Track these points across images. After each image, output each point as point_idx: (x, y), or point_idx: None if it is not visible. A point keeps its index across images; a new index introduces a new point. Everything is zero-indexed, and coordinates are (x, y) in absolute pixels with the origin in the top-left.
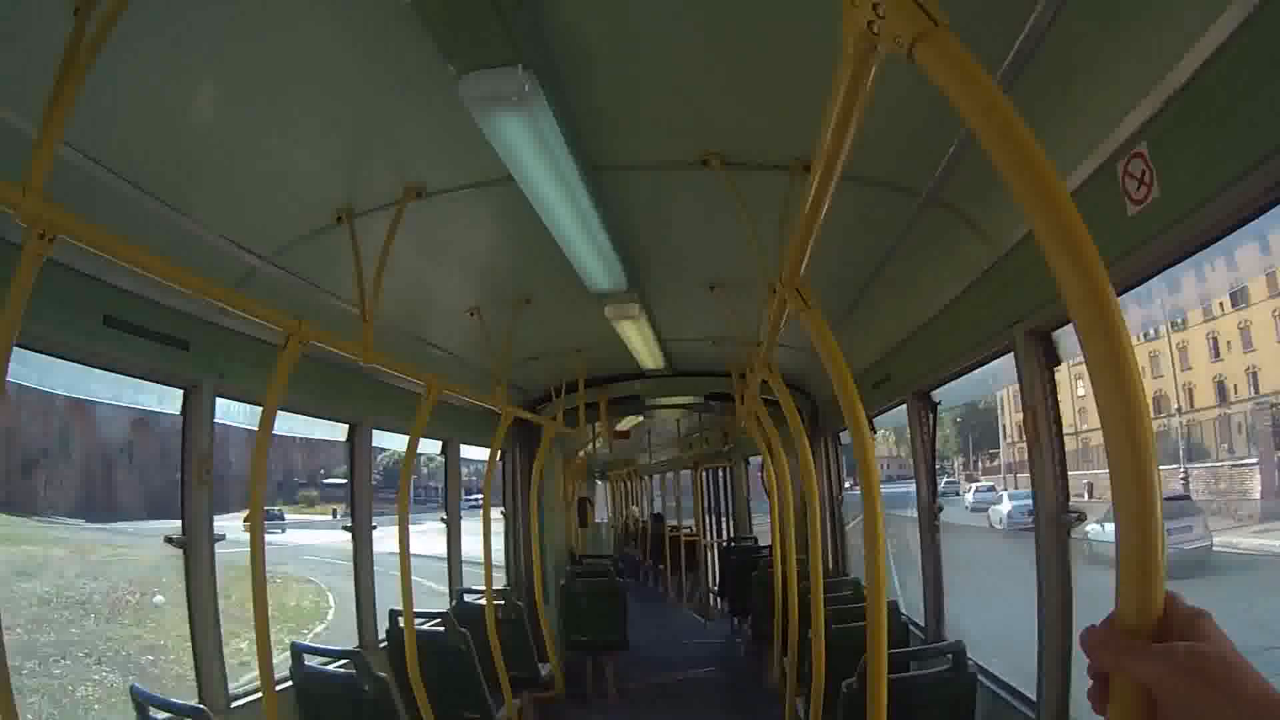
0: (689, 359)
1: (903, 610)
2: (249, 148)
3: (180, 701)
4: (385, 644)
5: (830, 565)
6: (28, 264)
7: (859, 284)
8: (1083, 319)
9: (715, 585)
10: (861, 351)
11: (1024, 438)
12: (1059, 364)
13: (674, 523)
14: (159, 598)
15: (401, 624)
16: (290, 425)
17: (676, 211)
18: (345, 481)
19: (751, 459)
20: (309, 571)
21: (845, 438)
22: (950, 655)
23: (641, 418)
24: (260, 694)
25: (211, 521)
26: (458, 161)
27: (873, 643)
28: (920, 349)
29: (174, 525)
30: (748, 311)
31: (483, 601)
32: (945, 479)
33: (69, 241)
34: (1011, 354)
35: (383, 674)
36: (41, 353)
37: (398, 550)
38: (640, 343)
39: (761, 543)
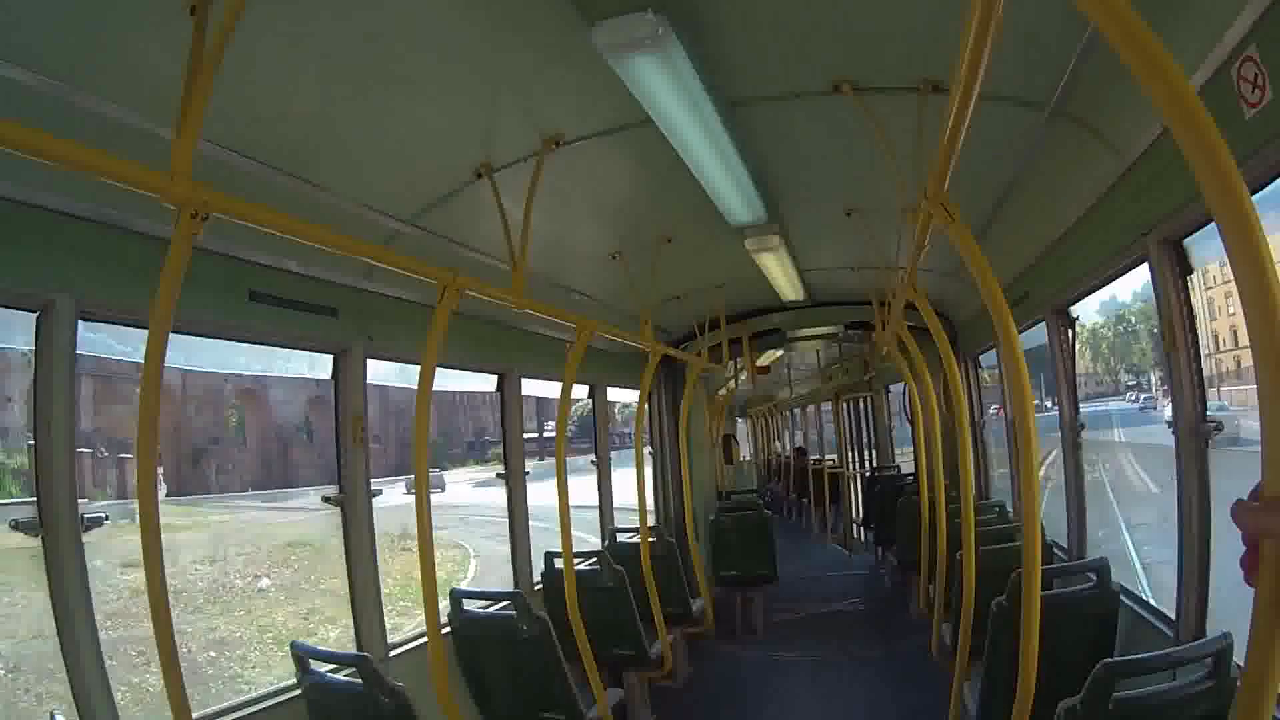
0: (828, 288)
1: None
2: (383, 115)
3: (341, 651)
4: (540, 586)
5: (975, 489)
6: (180, 244)
7: (991, 204)
8: (1220, 210)
9: (858, 517)
10: (997, 271)
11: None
12: (1191, 272)
13: (816, 456)
14: (264, 581)
15: (558, 565)
16: (441, 381)
17: (810, 139)
18: (474, 441)
19: (892, 387)
20: (451, 531)
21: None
22: (1094, 573)
23: (781, 351)
24: (410, 644)
25: (369, 479)
26: (593, 109)
27: (1027, 558)
28: (1055, 265)
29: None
30: (885, 236)
31: (634, 539)
32: (1143, 395)
33: (219, 218)
34: (1145, 265)
35: (541, 613)
36: (189, 334)
37: (556, 492)
38: (780, 274)
39: (903, 472)
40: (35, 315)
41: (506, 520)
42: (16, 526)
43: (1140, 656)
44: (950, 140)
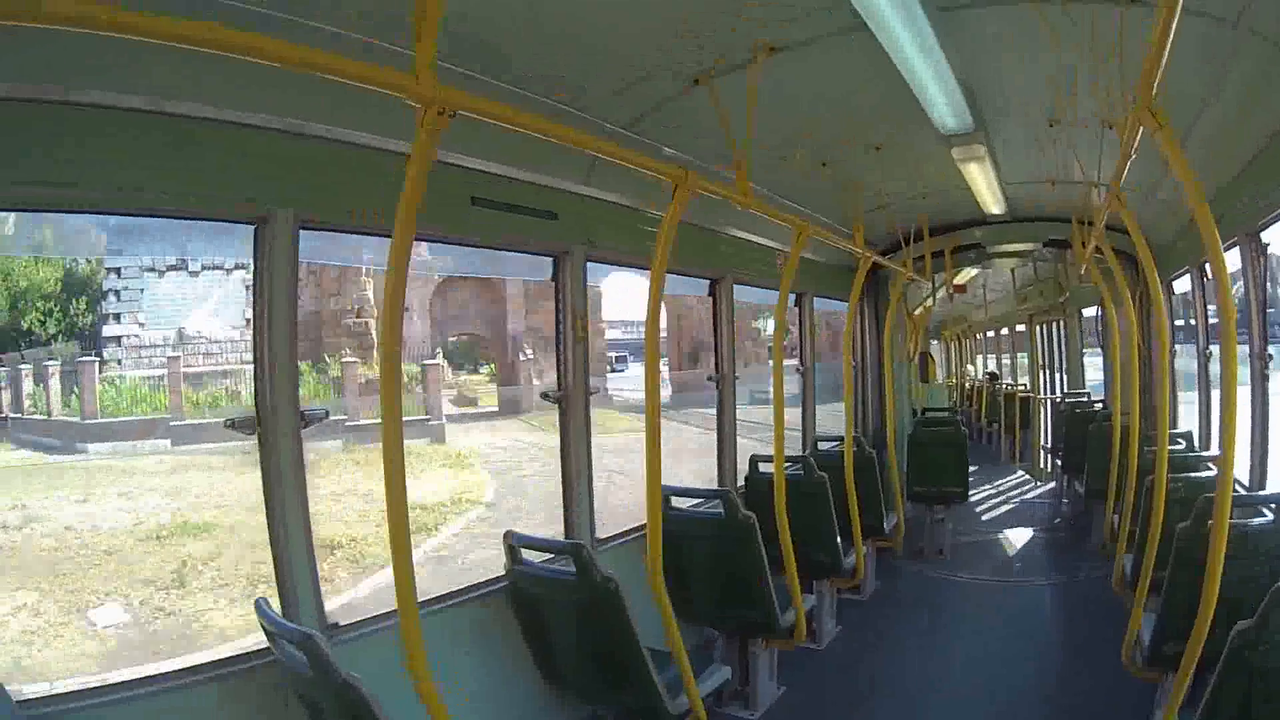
0: (1028, 203)
1: None
2: (603, 23)
3: (554, 540)
4: (744, 488)
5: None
6: (425, 144)
7: (1184, 123)
8: None
9: (1047, 443)
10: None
11: None
12: None
13: (1009, 381)
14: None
15: (763, 469)
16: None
17: (1016, 47)
18: None
19: (1084, 313)
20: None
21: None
22: (1273, 506)
23: (976, 271)
24: (613, 542)
25: (586, 375)
26: (808, 14)
27: (1221, 485)
28: (1248, 187)
29: None
30: (1086, 151)
31: (836, 447)
32: None
33: (464, 115)
34: None
35: (749, 513)
36: (415, 239)
37: (772, 397)
38: (983, 185)
39: (1092, 399)
40: (254, 228)
41: None
42: (232, 425)
43: None
44: (1158, 48)
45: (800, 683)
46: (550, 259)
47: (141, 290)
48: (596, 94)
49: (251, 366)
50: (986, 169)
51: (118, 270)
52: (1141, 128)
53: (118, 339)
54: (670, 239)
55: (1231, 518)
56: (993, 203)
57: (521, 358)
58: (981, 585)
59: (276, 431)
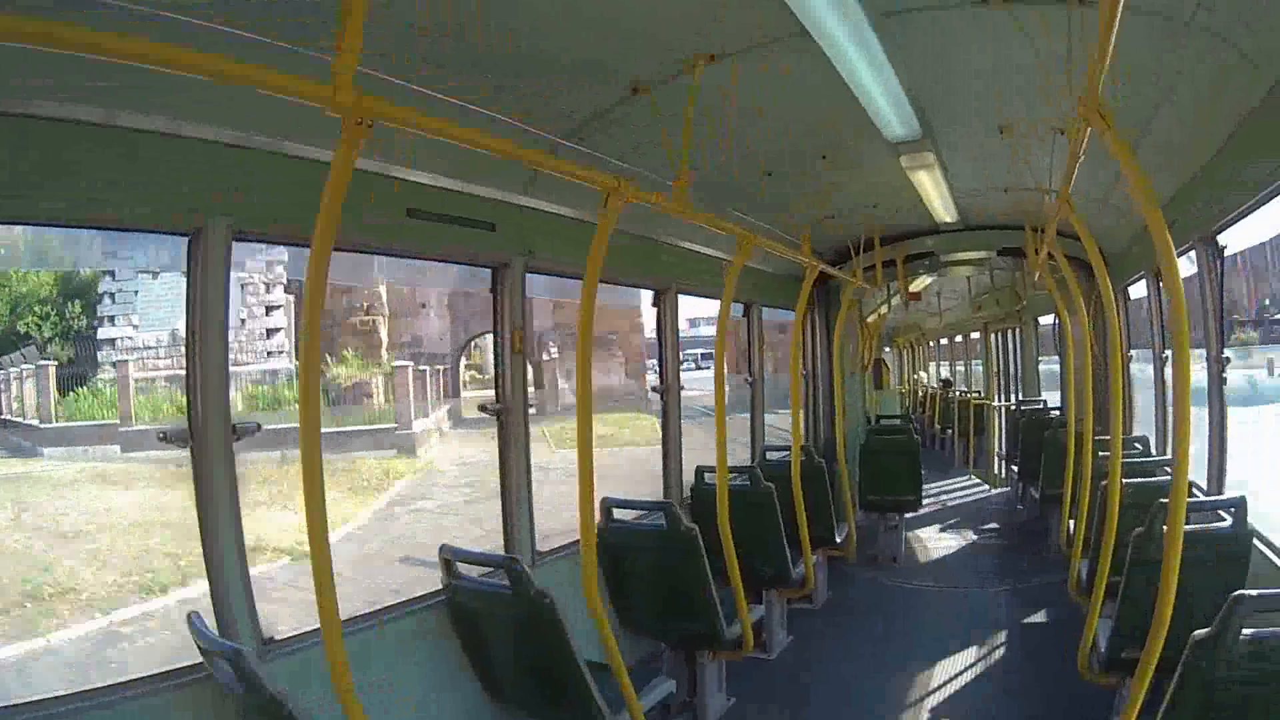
0: (980, 211)
1: None
2: (537, 32)
3: (490, 553)
4: (690, 499)
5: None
6: (344, 155)
7: (1135, 127)
8: None
9: (1001, 450)
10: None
11: None
12: None
13: (963, 388)
14: None
15: (708, 479)
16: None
17: (962, 53)
18: None
19: (1043, 319)
20: None
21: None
22: (1231, 510)
23: (931, 279)
24: (557, 554)
25: (525, 388)
26: (747, 21)
27: (1175, 490)
28: (1202, 191)
29: None
30: (1037, 157)
31: (786, 457)
32: None
33: (378, 135)
34: None
35: (691, 524)
36: (348, 250)
37: (714, 409)
38: (934, 193)
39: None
40: (187, 239)
41: None
42: (164, 438)
43: (1274, 592)
44: (1103, 46)
45: (750, 693)
46: (489, 270)
47: (135, 292)
48: (533, 103)
49: (244, 370)
50: (936, 177)
51: (111, 273)
52: (1090, 130)
53: (112, 341)
54: (603, 249)
55: (1188, 522)
56: (944, 211)
57: (545, 357)
58: (936, 592)
59: (208, 444)
